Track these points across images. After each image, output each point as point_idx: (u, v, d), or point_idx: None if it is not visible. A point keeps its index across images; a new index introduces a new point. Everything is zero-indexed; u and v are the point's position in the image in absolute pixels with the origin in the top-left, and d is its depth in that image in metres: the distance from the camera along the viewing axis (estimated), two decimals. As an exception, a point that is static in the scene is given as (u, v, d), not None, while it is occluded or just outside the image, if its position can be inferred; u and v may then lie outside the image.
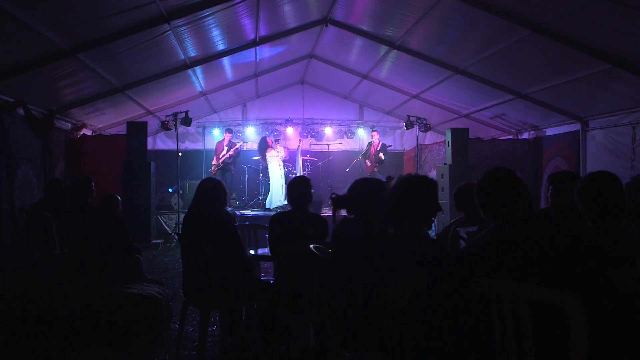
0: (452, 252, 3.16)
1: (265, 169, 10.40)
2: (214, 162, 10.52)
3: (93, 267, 4.15)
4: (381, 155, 10.69)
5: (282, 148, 10.50)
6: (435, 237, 4.01)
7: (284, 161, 10.49)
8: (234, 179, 10.97)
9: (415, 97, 10.46)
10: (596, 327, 1.67)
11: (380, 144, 11.03)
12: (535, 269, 1.78)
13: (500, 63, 7.39)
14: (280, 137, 11.70)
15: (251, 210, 10.29)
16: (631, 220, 3.52)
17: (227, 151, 10.49)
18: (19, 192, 6.68)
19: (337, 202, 2.80)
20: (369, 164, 11.02)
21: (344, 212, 2.83)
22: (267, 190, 10.53)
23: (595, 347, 1.67)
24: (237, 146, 10.66)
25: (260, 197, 10.72)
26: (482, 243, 1.99)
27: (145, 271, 5.07)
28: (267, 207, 10.03)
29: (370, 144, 11.20)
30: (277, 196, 9.92)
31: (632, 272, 2.13)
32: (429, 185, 2.27)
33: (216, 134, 11.81)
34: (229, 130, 10.93)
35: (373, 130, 11.57)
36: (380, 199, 2.50)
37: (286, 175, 10.23)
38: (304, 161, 11.25)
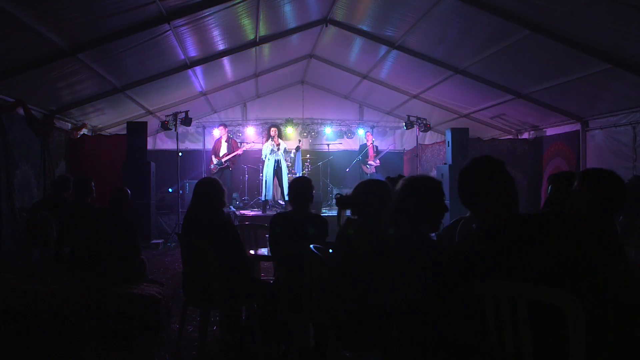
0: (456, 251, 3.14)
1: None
2: (214, 160, 10.26)
3: (95, 267, 4.15)
4: (377, 161, 11.11)
5: (282, 142, 9.75)
6: (435, 238, 4.01)
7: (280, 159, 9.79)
8: (233, 178, 10.87)
9: (415, 97, 10.46)
10: (594, 327, 1.67)
11: (374, 147, 11.30)
12: (530, 267, 1.78)
13: (500, 63, 7.39)
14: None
15: (251, 210, 10.28)
16: (628, 218, 3.52)
17: (229, 148, 10.31)
18: (19, 192, 6.69)
19: (342, 202, 2.79)
20: (367, 168, 11.19)
21: (348, 213, 2.83)
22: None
23: (594, 347, 1.67)
24: (243, 148, 10.55)
25: (261, 198, 10.70)
26: (475, 241, 1.98)
27: (147, 271, 5.06)
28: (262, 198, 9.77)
29: (364, 146, 11.35)
30: (268, 190, 9.67)
31: (626, 271, 2.13)
32: (434, 185, 2.25)
33: (216, 134, 11.78)
34: (224, 125, 10.73)
35: (368, 132, 11.69)
36: (384, 201, 2.50)
37: (275, 170, 9.66)
38: (303, 161, 11.23)
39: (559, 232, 1.78)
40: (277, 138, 9.65)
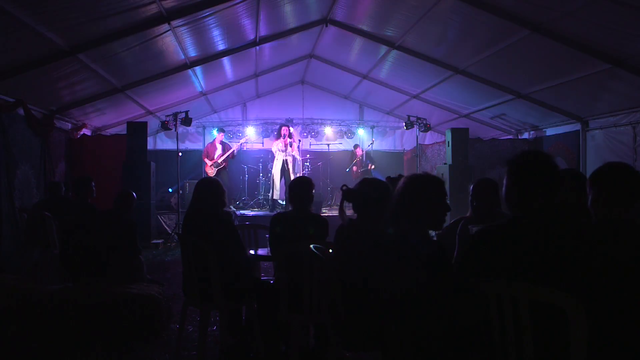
0: (458, 251, 3.12)
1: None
2: (209, 163, 10.19)
3: (95, 267, 4.14)
4: (371, 166, 11.20)
5: (293, 143, 9.83)
6: (435, 238, 4.00)
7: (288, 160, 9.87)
8: (230, 178, 10.86)
9: (415, 97, 10.46)
10: (597, 328, 1.67)
11: (364, 153, 11.53)
12: (537, 269, 1.77)
13: (500, 63, 7.39)
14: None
15: (251, 210, 10.28)
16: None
17: (223, 151, 10.31)
18: (19, 192, 6.69)
19: (347, 194, 2.79)
20: (355, 169, 11.48)
21: (349, 211, 2.83)
22: (268, 189, 10.43)
23: (596, 348, 1.67)
24: (235, 148, 10.58)
25: (260, 197, 10.69)
26: (476, 241, 1.97)
27: (145, 271, 5.07)
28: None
29: (354, 154, 11.64)
30: (275, 191, 9.75)
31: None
32: (436, 184, 2.23)
33: (214, 134, 11.74)
34: (221, 130, 10.78)
35: (357, 147, 11.74)
36: (384, 201, 2.50)
37: (283, 171, 9.70)
38: (303, 161, 11.23)
39: (564, 235, 1.78)
40: (287, 138, 9.73)
